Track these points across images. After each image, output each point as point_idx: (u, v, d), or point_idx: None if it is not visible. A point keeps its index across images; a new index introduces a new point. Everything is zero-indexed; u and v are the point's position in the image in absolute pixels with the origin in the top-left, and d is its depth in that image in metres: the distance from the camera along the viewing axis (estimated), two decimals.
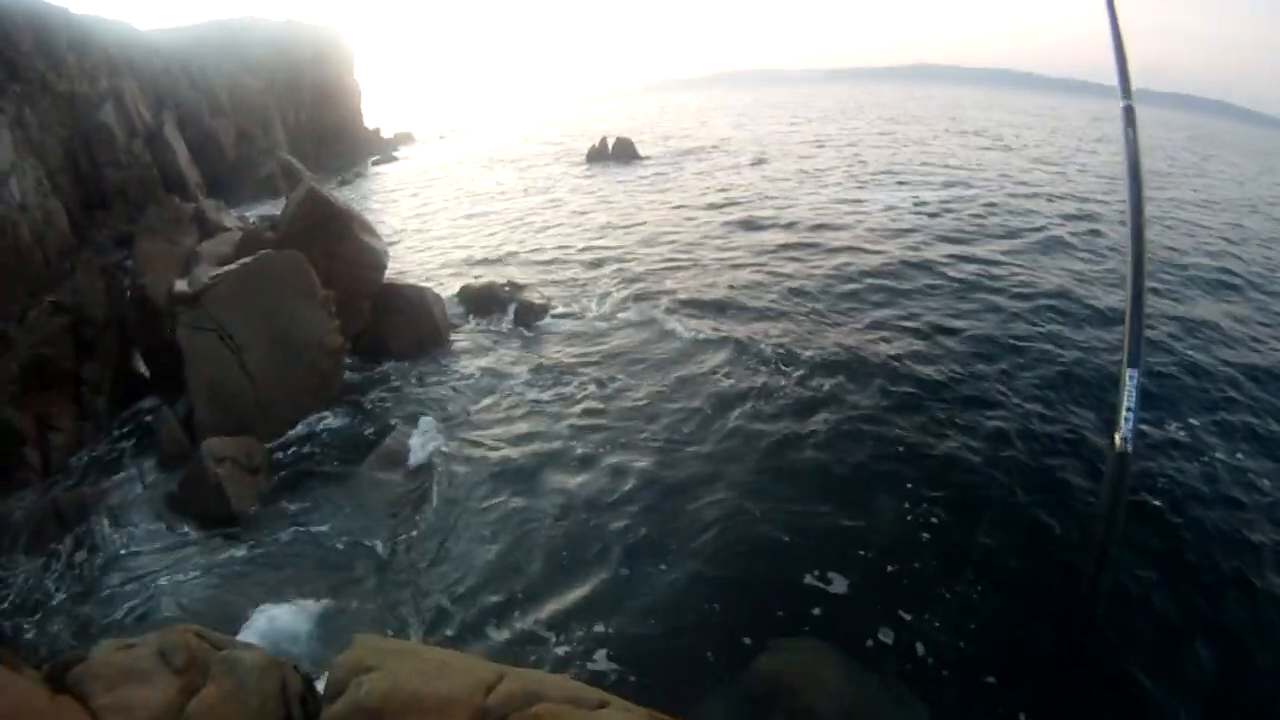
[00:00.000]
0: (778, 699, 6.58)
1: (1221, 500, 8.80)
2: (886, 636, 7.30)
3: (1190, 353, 12.79)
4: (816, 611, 7.69)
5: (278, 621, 7.98)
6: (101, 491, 10.76)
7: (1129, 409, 2.13)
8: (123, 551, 9.46)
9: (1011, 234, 21.05)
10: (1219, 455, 9.67)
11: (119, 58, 31.15)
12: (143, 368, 14.33)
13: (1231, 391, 11.54)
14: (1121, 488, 2.02)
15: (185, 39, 35.63)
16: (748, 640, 7.28)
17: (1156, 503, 8.55)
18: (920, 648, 7.16)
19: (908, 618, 7.50)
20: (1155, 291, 15.85)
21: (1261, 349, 13.52)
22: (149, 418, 12.61)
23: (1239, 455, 9.77)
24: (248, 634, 7.63)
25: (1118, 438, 2.08)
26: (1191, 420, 10.50)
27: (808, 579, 8.11)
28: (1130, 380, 2.18)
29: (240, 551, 9.25)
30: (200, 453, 10.08)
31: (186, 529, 9.71)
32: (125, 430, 12.74)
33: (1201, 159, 55.04)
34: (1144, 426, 9.19)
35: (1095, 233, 21.79)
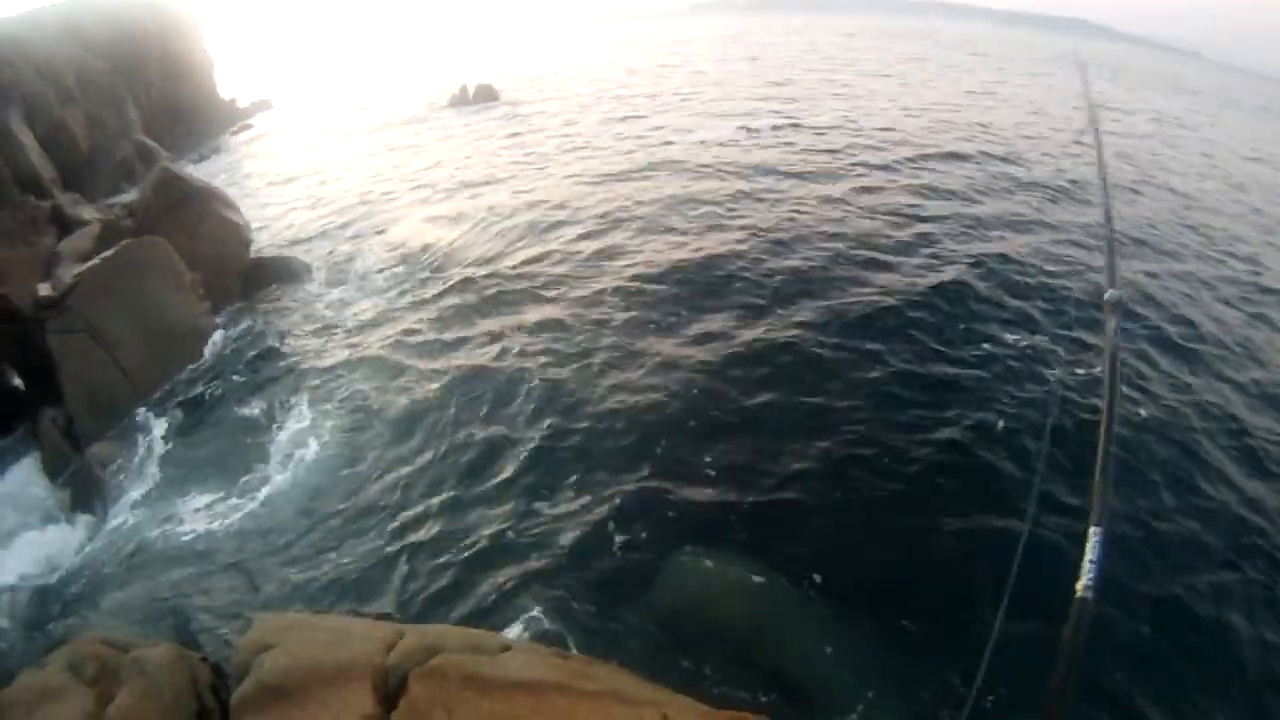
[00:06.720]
0: (690, 614, 6.59)
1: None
2: (786, 546, 7.43)
3: None
4: (710, 523, 7.81)
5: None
6: None
7: (1091, 562, 2.27)
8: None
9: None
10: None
11: None
12: (19, 383, 13.55)
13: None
14: (1079, 634, 2.10)
15: (21, 26, 32.66)
16: (647, 559, 7.36)
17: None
18: (816, 558, 7.29)
19: (806, 529, 7.69)
20: None
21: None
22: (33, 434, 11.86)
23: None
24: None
25: (1079, 586, 2.20)
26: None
27: (708, 493, 8.22)
28: (1094, 537, 2.34)
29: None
30: (85, 461, 9.71)
31: (84, 533, 9.31)
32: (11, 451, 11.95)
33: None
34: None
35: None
